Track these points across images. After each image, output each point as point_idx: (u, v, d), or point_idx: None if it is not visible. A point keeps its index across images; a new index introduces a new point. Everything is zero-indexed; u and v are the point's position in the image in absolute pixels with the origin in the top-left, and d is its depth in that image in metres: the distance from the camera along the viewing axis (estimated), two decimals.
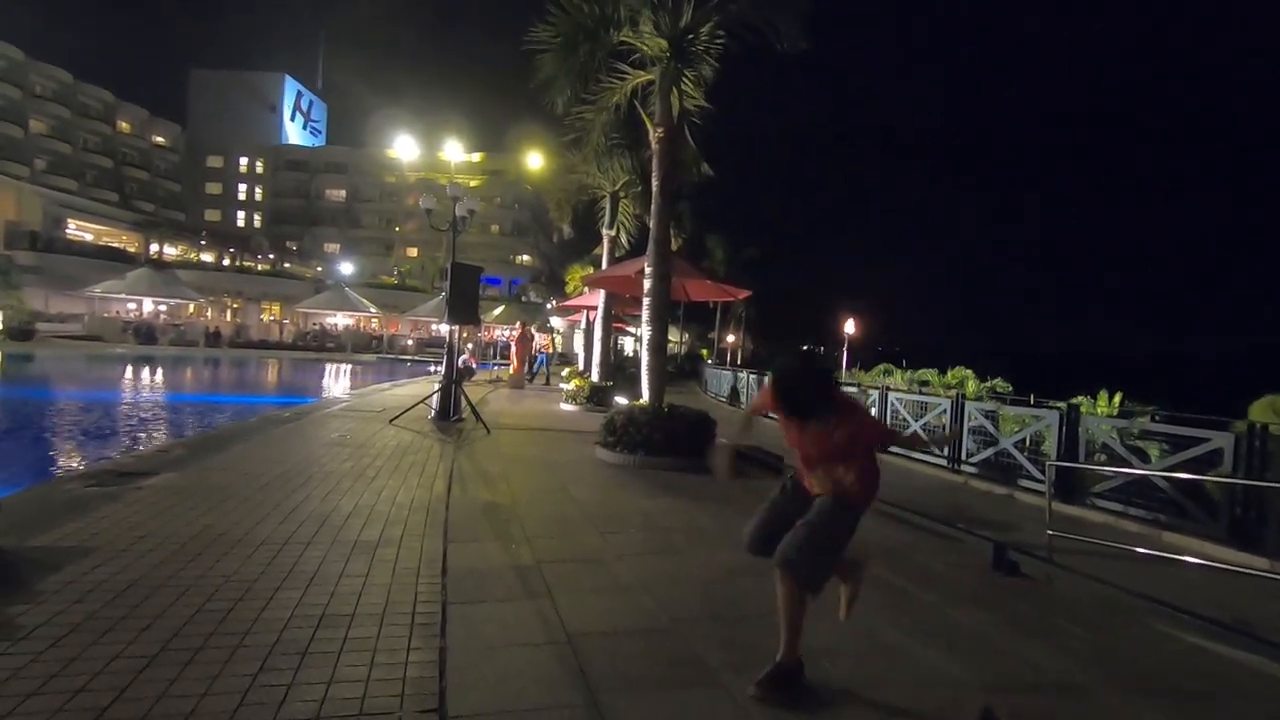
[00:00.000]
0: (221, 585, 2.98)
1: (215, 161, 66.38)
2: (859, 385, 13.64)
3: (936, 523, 5.41)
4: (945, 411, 9.47)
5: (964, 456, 9.15)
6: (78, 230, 42.23)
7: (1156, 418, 9.56)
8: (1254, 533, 5.48)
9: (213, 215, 64.85)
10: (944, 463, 9.20)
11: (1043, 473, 7.10)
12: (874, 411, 11.07)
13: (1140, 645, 3.16)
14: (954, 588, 3.82)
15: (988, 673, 2.67)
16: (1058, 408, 8.25)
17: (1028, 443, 8.61)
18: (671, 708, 2.24)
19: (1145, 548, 5.33)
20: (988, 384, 16.32)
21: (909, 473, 9.20)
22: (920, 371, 21.56)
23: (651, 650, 2.67)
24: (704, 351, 47.10)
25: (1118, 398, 11.23)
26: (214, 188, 66.43)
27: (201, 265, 45.84)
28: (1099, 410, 10.65)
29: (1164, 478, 6.27)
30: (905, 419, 10.29)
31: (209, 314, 39.61)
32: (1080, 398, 11.33)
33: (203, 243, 49.86)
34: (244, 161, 66.84)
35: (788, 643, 2.43)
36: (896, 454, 10.21)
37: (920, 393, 12.59)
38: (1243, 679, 2.84)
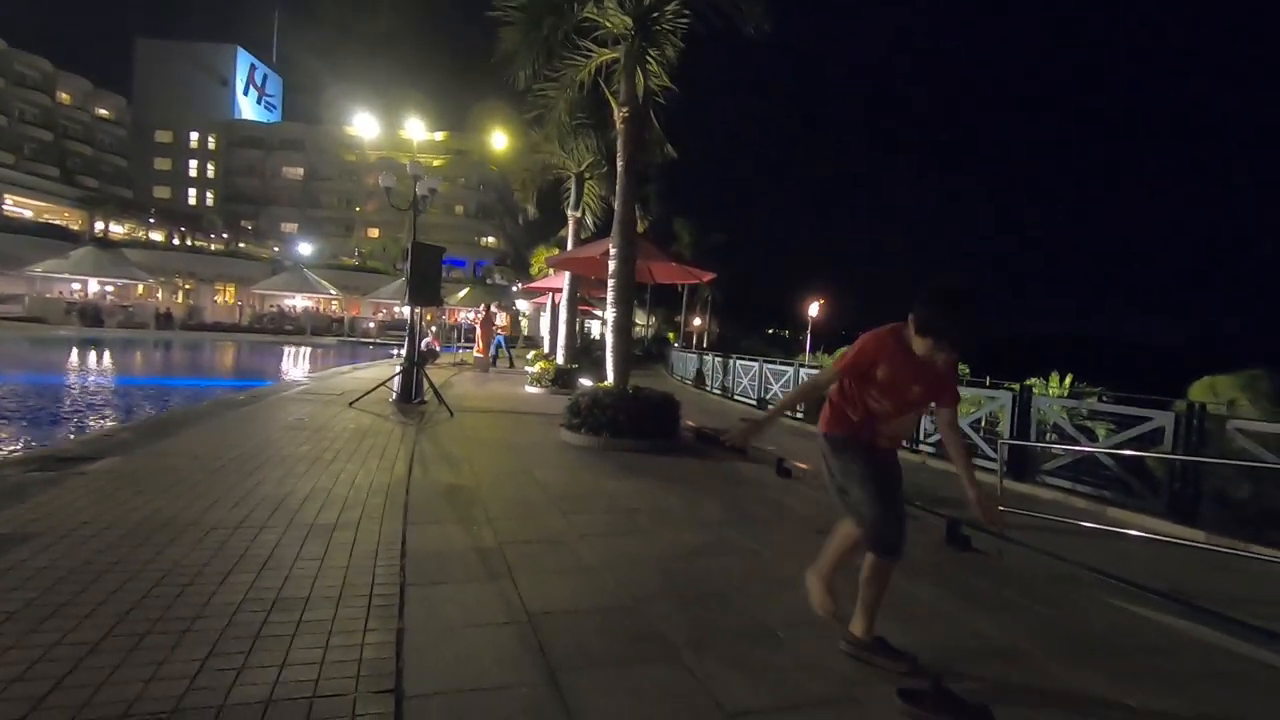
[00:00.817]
0: (169, 570, 2.89)
1: (164, 136, 63.67)
2: (822, 367, 13.82)
3: None
4: None
5: (922, 437, 9.37)
6: (15, 207, 40.27)
7: (1104, 398, 9.93)
8: (1191, 507, 5.73)
9: (162, 192, 62.33)
10: (903, 443, 9.42)
11: (996, 451, 7.32)
12: None
13: (1084, 615, 3.28)
14: (909, 563, 3.90)
15: (939, 643, 2.74)
16: (1011, 389, 8.49)
17: (983, 422, 8.86)
18: (631, 683, 2.25)
19: (1092, 522, 5.54)
20: None
21: None
22: None
23: (613, 628, 2.68)
24: (670, 335, 47.26)
25: (1069, 379, 11.61)
26: (163, 164, 63.80)
27: (151, 244, 44.18)
28: (1051, 391, 11.01)
29: (1109, 455, 6.51)
30: None
31: (159, 295, 38.24)
32: (1033, 379, 11.69)
33: (152, 221, 47.96)
34: (195, 137, 64.27)
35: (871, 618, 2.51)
36: None
37: None
38: (1178, 645, 2.97)
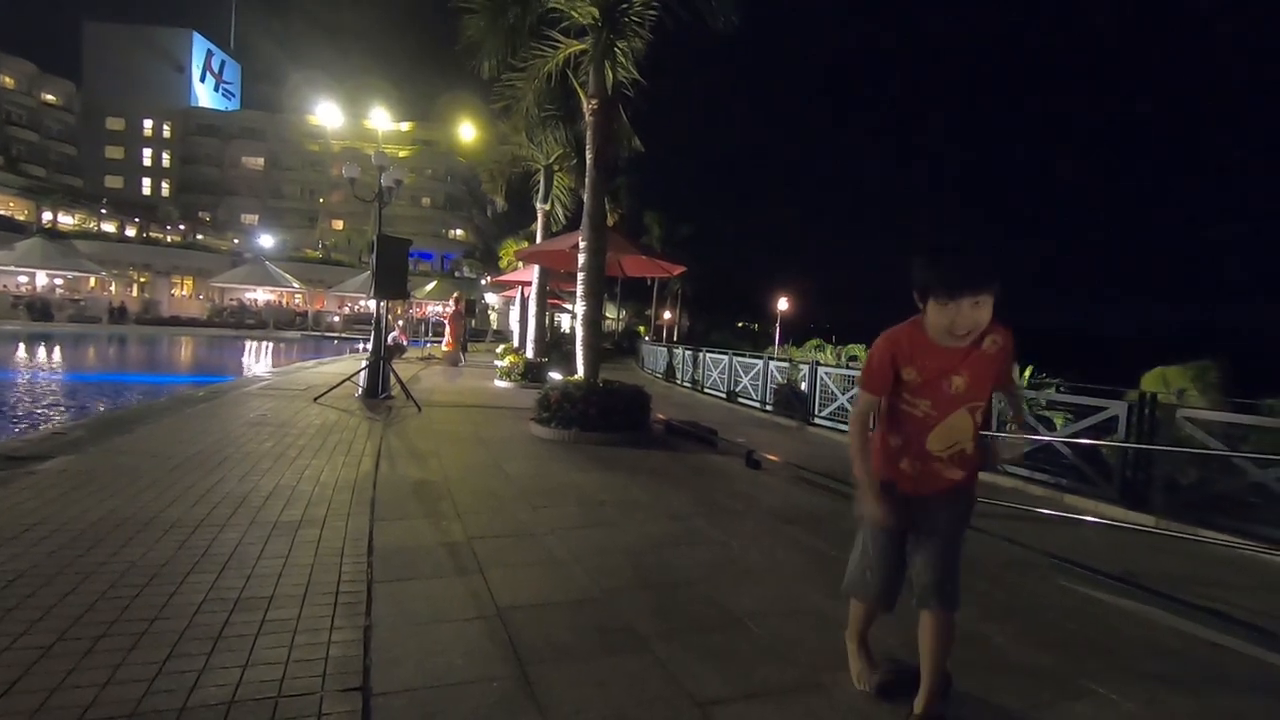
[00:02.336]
0: (125, 571, 2.81)
1: (116, 124, 61.42)
2: (791, 360, 13.98)
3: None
4: None
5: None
6: None
7: (1061, 389, 10.22)
8: (1142, 493, 5.93)
9: (114, 182, 60.19)
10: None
11: None
12: (803, 386, 11.40)
13: (1040, 598, 3.38)
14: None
15: (902, 629, 2.80)
16: None
17: None
18: (601, 674, 2.26)
19: (1049, 509, 5.71)
20: None
21: (836, 443, 9.53)
22: (849, 346, 22.30)
23: (582, 621, 2.69)
24: (641, 328, 47.31)
25: (1029, 370, 11.92)
26: (115, 152, 61.55)
27: (103, 236, 42.61)
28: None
29: (1066, 444, 6.70)
30: (834, 393, 10.62)
31: (113, 288, 36.99)
32: None
33: (103, 212, 46.27)
34: (149, 125, 62.15)
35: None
36: (822, 424, 10.56)
37: (848, 367, 13.01)
38: (1127, 626, 3.09)
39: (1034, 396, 8.70)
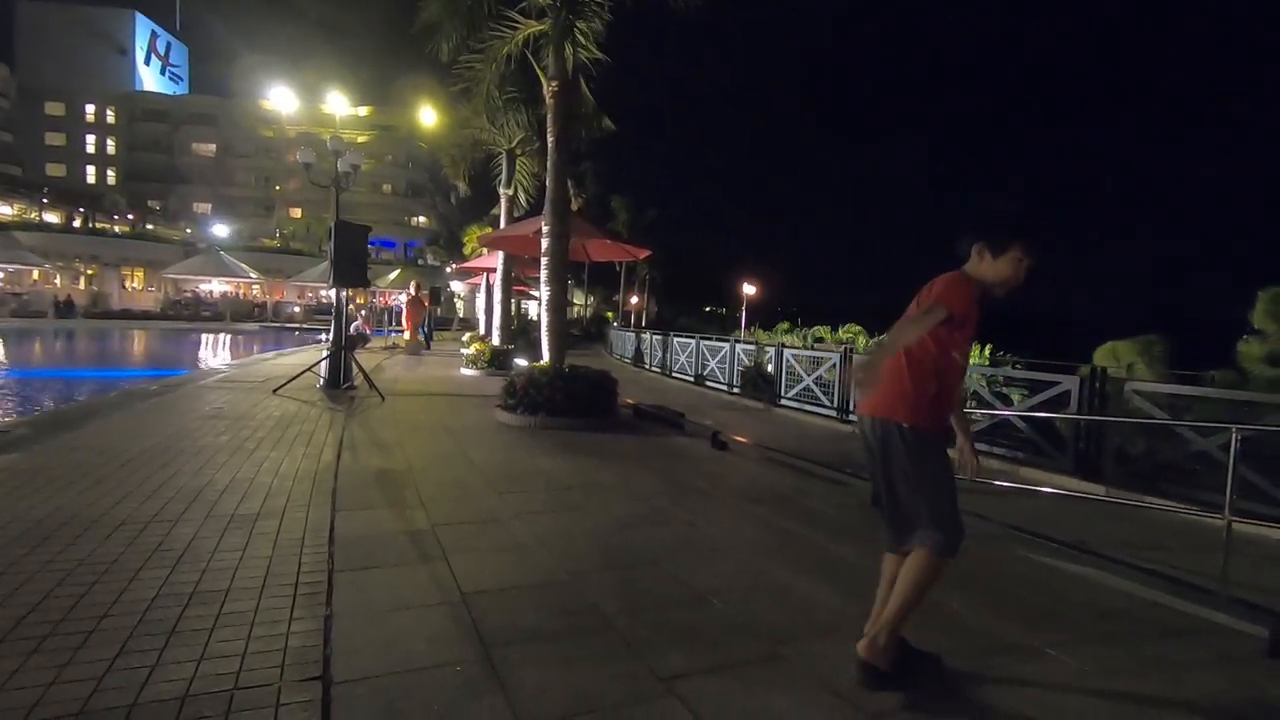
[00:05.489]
0: (73, 569, 2.72)
1: (55, 109, 58.65)
2: (757, 344, 14.09)
3: (824, 468, 5.73)
4: (836, 365, 9.95)
5: (851, 407, 9.69)
6: None
7: (1018, 365, 10.51)
8: (1094, 464, 6.15)
9: (56, 170, 57.57)
10: (834, 414, 9.71)
11: None
12: (770, 368, 11.51)
13: (998, 567, 3.49)
14: (838, 527, 4.08)
15: (865, 601, 2.87)
16: None
17: None
18: (565, 654, 2.27)
19: (1006, 481, 5.88)
20: (877, 339, 17.28)
21: (800, 424, 9.66)
22: (815, 329, 22.55)
23: (547, 603, 2.69)
24: (609, 314, 47.18)
25: (988, 348, 12.22)
26: (55, 139, 58.80)
27: (45, 226, 40.76)
28: (972, 360, 11.57)
29: (1022, 418, 6.90)
30: (800, 374, 10.74)
31: (58, 281, 35.51)
32: None
33: (45, 201, 44.22)
34: (90, 109, 59.46)
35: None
36: (788, 405, 10.69)
37: (814, 349, 13.17)
38: (1077, 590, 3.21)
39: (993, 373, 8.93)
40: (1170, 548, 4.26)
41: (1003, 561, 3.58)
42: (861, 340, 18.49)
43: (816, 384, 10.32)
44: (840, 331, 21.08)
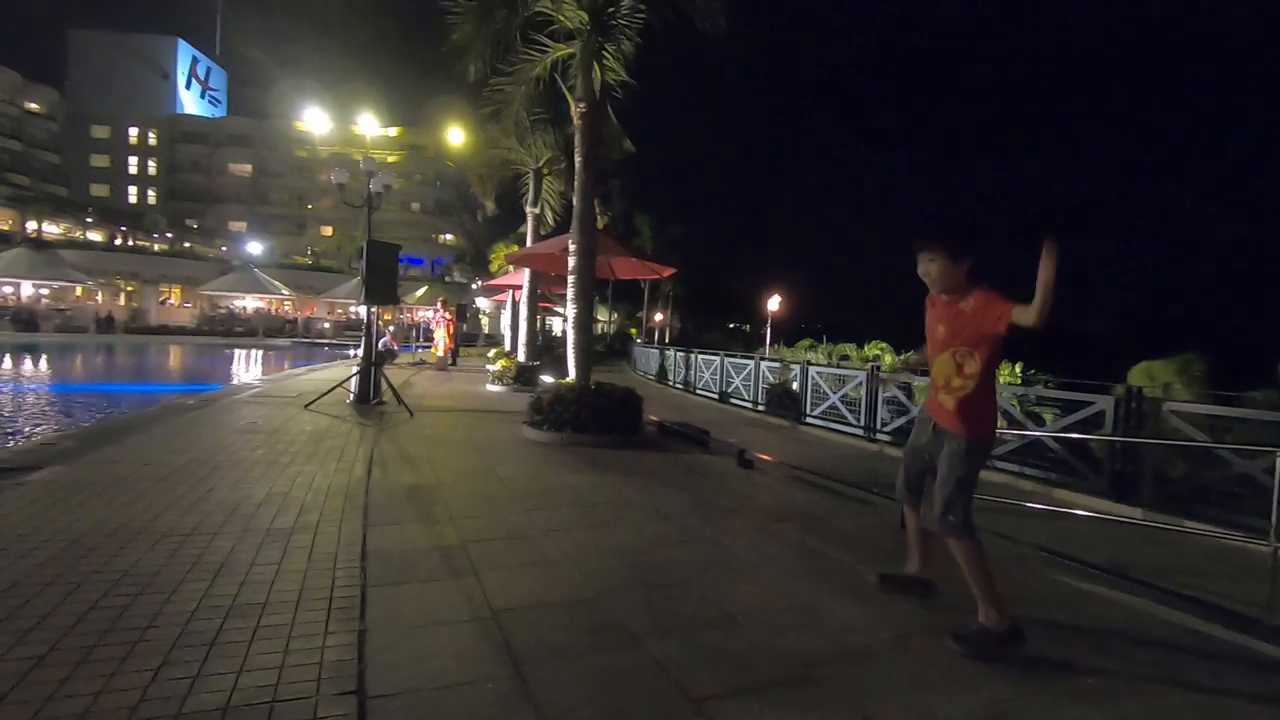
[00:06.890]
0: (117, 580, 2.80)
1: (101, 132, 61.02)
2: (782, 361, 14.03)
3: (853, 488, 5.67)
4: (862, 384, 9.88)
5: (879, 426, 9.59)
6: None
7: (1050, 385, 10.31)
8: (1130, 486, 6.01)
9: (100, 190, 59.79)
10: (860, 432, 9.62)
11: None
12: (794, 386, 11.45)
13: (1031, 590, 3.42)
14: (867, 548, 4.03)
15: (894, 620, 2.84)
16: None
17: None
18: (595, 672, 2.28)
19: (1039, 503, 5.77)
20: (903, 357, 17.06)
21: (826, 442, 9.58)
22: (840, 346, 22.37)
23: (577, 620, 2.70)
24: (633, 330, 47.32)
25: (1018, 366, 12.01)
26: (100, 160, 61.18)
27: (89, 245, 42.31)
28: (1002, 379, 11.37)
29: (1055, 439, 6.77)
30: (826, 392, 10.67)
31: (100, 298, 36.67)
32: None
33: (89, 220, 45.88)
34: (134, 132, 61.76)
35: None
36: (814, 424, 10.61)
37: (839, 366, 13.08)
38: (1114, 614, 3.13)
39: (1025, 392, 8.78)
40: (1211, 573, 4.14)
41: (1036, 585, 3.51)
42: (888, 358, 18.26)
43: (842, 402, 10.24)
44: (866, 349, 20.86)
